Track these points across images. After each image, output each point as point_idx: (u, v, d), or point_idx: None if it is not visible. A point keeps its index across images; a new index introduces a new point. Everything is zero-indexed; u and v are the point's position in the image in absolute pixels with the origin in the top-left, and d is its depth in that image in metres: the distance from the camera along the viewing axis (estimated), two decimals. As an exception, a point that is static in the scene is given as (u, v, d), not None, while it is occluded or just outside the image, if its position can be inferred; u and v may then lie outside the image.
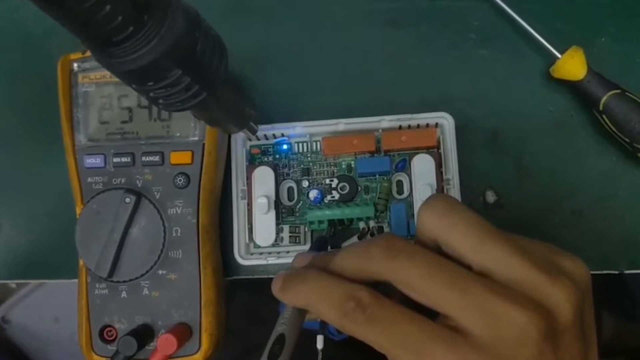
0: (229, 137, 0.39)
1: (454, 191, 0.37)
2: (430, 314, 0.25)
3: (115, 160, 0.37)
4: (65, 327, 1.02)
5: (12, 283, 0.99)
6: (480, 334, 0.24)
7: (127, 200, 0.35)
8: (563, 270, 0.26)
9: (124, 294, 0.36)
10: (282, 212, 0.39)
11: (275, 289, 0.29)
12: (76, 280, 0.38)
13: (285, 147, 0.39)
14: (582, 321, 0.26)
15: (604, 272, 0.39)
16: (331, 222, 0.38)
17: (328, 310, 0.26)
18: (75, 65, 0.37)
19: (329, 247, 0.36)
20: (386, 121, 0.38)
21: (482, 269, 0.26)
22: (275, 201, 0.38)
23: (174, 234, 0.36)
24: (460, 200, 0.37)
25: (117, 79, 0.36)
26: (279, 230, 0.38)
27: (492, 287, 0.25)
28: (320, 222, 0.38)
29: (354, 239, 0.38)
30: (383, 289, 0.26)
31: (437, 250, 0.27)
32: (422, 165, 0.37)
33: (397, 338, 0.25)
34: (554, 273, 0.25)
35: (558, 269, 0.26)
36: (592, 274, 0.28)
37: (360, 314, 0.25)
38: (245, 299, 0.53)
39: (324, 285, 0.27)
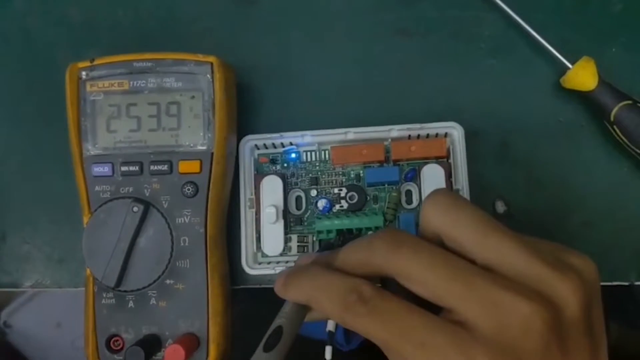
0: (237, 145, 0.38)
1: (464, 202, 0.37)
2: (434, 312, 0.25)
3: (123, 169, 0.36)
4: (67, 333, 1.02)
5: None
6: (483, 325, 0.24)
7: (135, 209, 0.35)
8: (570, 266, 0.25)
9: (131, 304, 0.36)
10: (290, 221, 0.39)
11: (278, 285, 0.29)
12: (82, 289, 0.38)
13: (293, 155, 0.39)
14: (590, 318, 0.25)
15: (614, 283, 0.38)
16: (340, 232, 0.37)
17: (330, 303, 0.26)
18: (83, 73, 0.37)
19: None
20: (395, 131, 0.38)
21: (486, 263, 0.25)
22: (283, 210, 0.38)
23: (182, 244, 0.36)
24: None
25: (125, 87, 0.37)
26: (287, 240, 0.38)
27: (496, 280, 0.24)
28: (328, 231, 0.37)
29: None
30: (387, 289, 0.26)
31: (441, 245, 0.27)
32: (432, 176, 0.37)
33: (399, 330, 0.24)
34: (561, 267, 0.25)
35: (565, 264, 0.25)
36: (601, 286, 0.28)
37: (362, 307, 0.25)
38: (251, 308, 0.52)
39: (326, 279, 0.27)
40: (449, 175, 0.37)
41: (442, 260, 0.25)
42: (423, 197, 0.37)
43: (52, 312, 1.02)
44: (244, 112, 0.40)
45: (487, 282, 0.24)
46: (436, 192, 0.28)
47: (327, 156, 0.39)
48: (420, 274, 0.25)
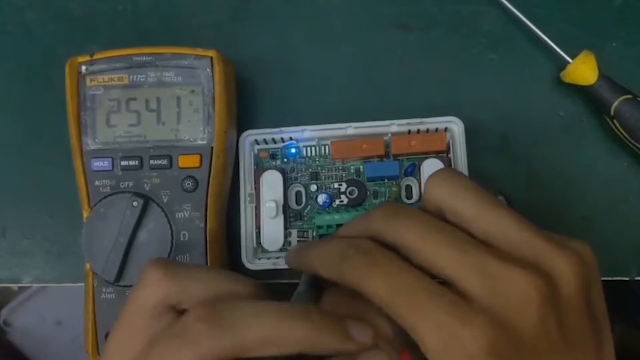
0: (237, 140, 0.38)
1: (464, 196, 0.37)
2: None
3: (123, 163, 0.36)
4: (67, 330, 1.02)
5: (15, 286, 0.99)
6: (480, 296, 0.24)
7: (135, 203, 0.35)
8: (568, 246, 0.25)
9: (130, 299, 0.36)
10: (290, 216, 0.38)
11: (289, 258, 0.31)
12: (81, 284, 0.38)
13: (293, 150, 0.39)
14: (589, 300, 0.25)
15: (615, 278, 0.38)
16: (339, 227, 0.37)
17: (328, 258, 0.26)
18: (83, 67, 0.37)
19: None
20: (395, 125, 0.38)
21: (484, 237, 0.26)
22: (283, 205, 0.38)
23: (182, 238, 0.36)
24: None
25: (125, 82, 0.36)
26: (287, 235, 0.38)
27: (493, 252, 0.24)
28: (328, 226, 0.37)
29: (363, 244, 0.37)
30: None
31: (442, 220, 0.27)
32: (432, 170, 0.36)
33: (397, 286, 0.24)
34: (558, 244, 0.25)
35: (563, 243, 0.25)
36: (602, 281, 0.28)
37: (361, 258, 0.25)
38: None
39: (328, 242, 0.28)
40: (449, 170, 0.37)
41: (438, 228, 0.25)
42: (423, 192, 0.37)
43: (52, 310, 1.02)
44: (244, 107, 0.40)
45: (483, 254, 0.24)
46: (439, 169, 0.29)
47: (327, 151, 0.39)
48: (418, 241, 0.25)
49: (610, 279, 0.38)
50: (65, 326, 1.03)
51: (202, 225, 0.36)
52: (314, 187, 0.39)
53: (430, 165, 0.37)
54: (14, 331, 1.03)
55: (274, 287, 0.39)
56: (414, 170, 0.38)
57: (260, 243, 0.38)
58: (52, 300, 1.02)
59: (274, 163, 0.39)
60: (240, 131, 0.39)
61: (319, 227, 0.37)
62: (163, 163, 0.36)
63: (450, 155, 0.37)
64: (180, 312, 0.26)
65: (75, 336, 1.00)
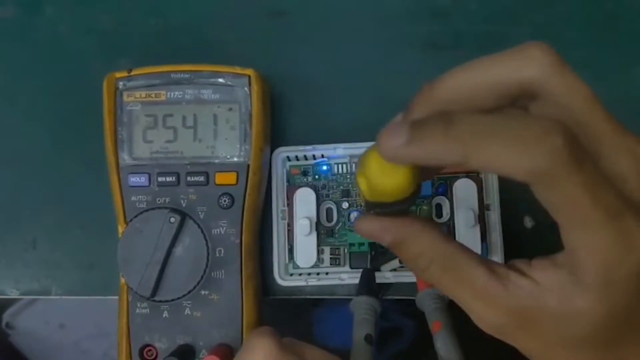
0: (270, 157, 0.39)
1: (495, 216, 0.37)
2: None
3: (160, 179, 0.37)
4: (70, 334, 1.01)
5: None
6: None
7: (172, 219, 0.35)
8: None
9: (165, 314, 0.36)
10: (322, 233, 0.39)
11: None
12: (112, 297, 0.38)
13: (324, 168, 0.39)
14: None
15: None
16: (371, 245, 0.38)
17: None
18: (120, 83, 0.37)
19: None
20: (428, 145, 0.38)
21: None
22: (315, 222, 0.38)
23: (218, 254, 0.36)
24: (499, 225, 0.37)
25: (162, 98, 0.37)
26: (320, 252, 0.38)
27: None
28: (360, 244, 0.38)
29: (395, 262, 0.38)
30: None
31: None
32: (464, 190, 0.38)
33: None
34: None
35: None
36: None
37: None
38: (279, 319, 0.52)
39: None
40: (480, 190, 0.38)
41: None
42: (455, 212, 0.37)
43: (55, 313, 1.02)
44: (276, 123, 0.40)
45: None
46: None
47: (358, 169, 0.39)
48: None
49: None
50: (68, 329, 1.02)
51: (237, 241, 0.36)
52: (345, 205, 0.39)
53: (462, 185, 0.38)
54: (17, 334, 1.03)
55: (301, 303, 0.39)
56: (445, 190, 0.38)
57: (292, 259, 0.38)
58: (55, 304, 1.02)
59: (305, 180, 0.39)
60: (272, 148, 0.39)
61: (351, 244, 0.38)
62: (200, 180, 0.36)
63: (482, 175, 0.38)
64: None
65: (78, 339, 1.00)
